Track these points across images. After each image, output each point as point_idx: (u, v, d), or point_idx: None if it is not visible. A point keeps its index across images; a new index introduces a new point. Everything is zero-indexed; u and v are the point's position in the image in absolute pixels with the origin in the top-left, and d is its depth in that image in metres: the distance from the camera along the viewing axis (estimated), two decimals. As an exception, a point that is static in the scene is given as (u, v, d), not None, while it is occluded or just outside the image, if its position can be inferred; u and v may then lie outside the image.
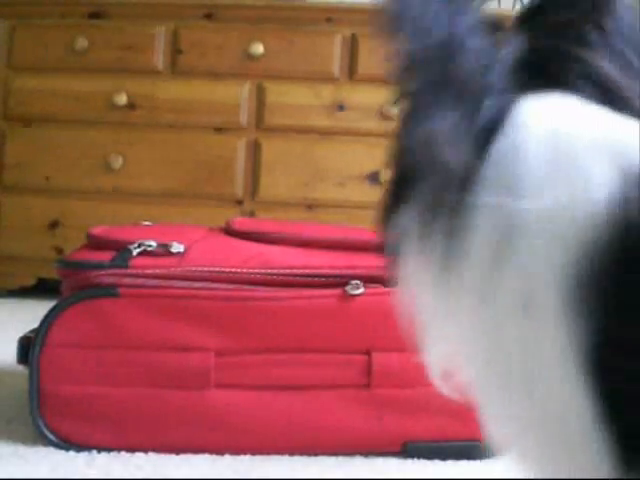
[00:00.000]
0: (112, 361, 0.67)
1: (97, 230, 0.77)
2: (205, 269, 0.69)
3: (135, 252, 0.71)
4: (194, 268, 0.69)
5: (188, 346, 0.67)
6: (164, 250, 0.71)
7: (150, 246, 0.71)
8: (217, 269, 0.69)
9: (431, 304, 0.36)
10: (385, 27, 0.39)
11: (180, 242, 0.72)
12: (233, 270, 0.69)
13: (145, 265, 0.69)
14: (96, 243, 0.74)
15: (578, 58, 0.39)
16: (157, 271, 0.69)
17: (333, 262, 0.71)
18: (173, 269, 0.69)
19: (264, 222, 0.87)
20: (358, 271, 0.70)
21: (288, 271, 0.70)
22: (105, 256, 0.71)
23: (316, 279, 0.70)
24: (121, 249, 0.71)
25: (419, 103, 0.36)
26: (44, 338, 0.67)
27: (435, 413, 0.70)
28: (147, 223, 0.85)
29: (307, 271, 0.70)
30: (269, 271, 0.69)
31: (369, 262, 0.71)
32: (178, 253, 0.71)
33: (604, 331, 0.22)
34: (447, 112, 0.34)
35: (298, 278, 0.69)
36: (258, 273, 0.69)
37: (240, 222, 0.83)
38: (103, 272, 0.69)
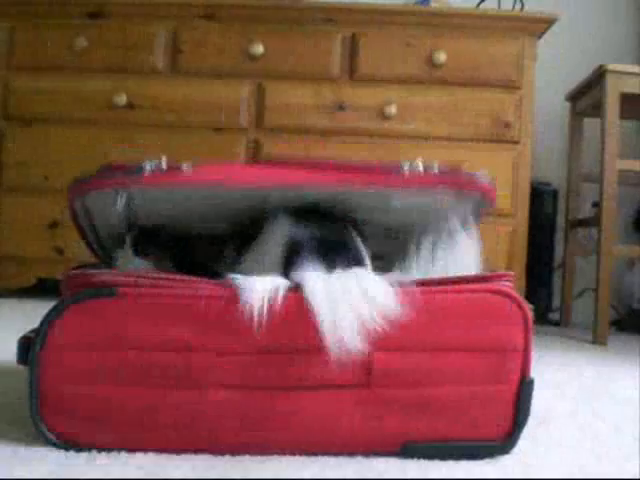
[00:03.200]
0: (112, 361, 0.67)
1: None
2: (210, 177, 0.72)
3: (148, 167, 0.72)
4: (201, 179, 0.73)
5: (188, 346, 0.67)
6: (174, 168, 0.73)
7: (161, 165, 0.73)
8: (224, 180, 0.72)
9: None
10: None
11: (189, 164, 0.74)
12: (241, 181, 0.72)
13: (158, 177, 0.71)
14: (108, 168, 0.77)
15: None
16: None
17: (342, 175, 0.76)
18: (179, 180, 0.71)
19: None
20: (370, 184, 0.75)
21: (296, 181, 0.75)
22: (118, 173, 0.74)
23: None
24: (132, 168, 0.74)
25: None
26: (44, 338, 0.67)
27: (435, 413, 0.70)
28: None
29: (317, 179, 0.74)
30: (276, 181, 0.73)
31: (378, 178, 0.76)
32: (187, 170, 0.73)
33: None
34: None
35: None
36: (266, 183, 0.73)
37: None
38: (103, 272, 0.68)
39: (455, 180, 0.77)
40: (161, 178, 0.72)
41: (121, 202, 0.76)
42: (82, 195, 0.76)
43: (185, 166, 0.72)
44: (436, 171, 0.75)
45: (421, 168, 0.75)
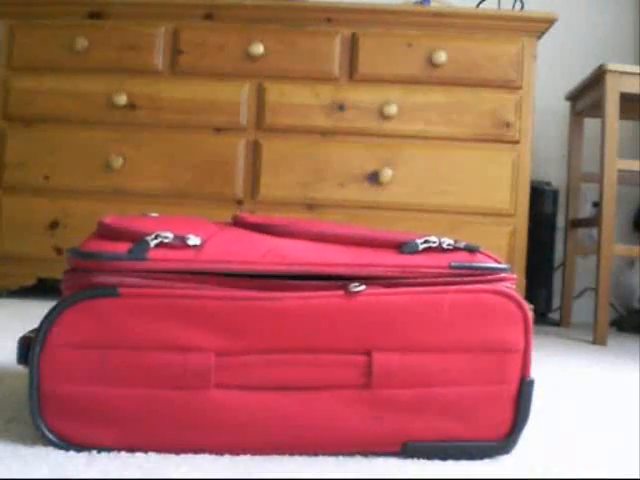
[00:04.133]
0: (112, 361, 0.67)
1: (109, 219, 0.74)
2: (222, 265, 0.68)
3: (152, 244, 0.69)
4: (210, 265, 0.68)
5: (188, 346, 0.67)
6: (181, 242, 0.70)
7: (167, 238, 0.70)
8: (233, 265, 0.68)
9: None
10: None
11: (196, 235, 0.71)
12: (251, 266, 0.68)
13: (162, 258, 0.68)
14: (109, 233, 0.73)
15: None
16: (171, 265, 0.68)
17: (349, 258, 0.71)
18: (187, 264, 0.68)
19: (272, 217, 0.86)
20: (374, 269, 0.70)
21: (304, 268, 0.69)
22: (121, 247, 0.69)
23: (334, 281, 0.69)
24: (136, 240, 0.70)
25: None
26: (44, 338, 0.67)
27: (435, 413, 0.70)
28: (154, 214, 0.84)
29: (325, 269, 0.69)
30: (286, 268, 0.69)
31: (384, 260, 0.71)
32: (194, 246, 0.70)
33: None
34: None
35: (314, 281, 0.69)
36: (276, 271, 0.69)
37: (249, 216, 0.83)
38: (105, 271, 0.68)
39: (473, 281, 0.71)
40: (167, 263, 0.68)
41: None
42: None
43: (191, 240, 0.70)
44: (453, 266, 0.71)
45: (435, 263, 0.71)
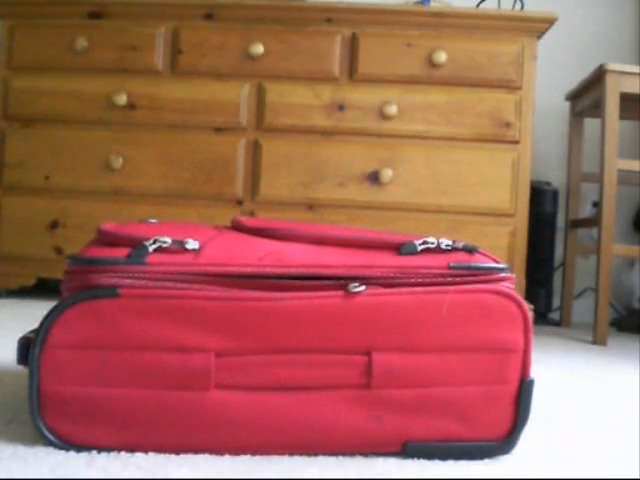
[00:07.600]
0: (112, 361, 0.67)
1: (108, 226, 0.75)
2: (220, 268, 0.69)
3: (151, 248, 0.70)
4: (208, 268, 0.69)
5: (188, 346, 0.67)
6: (179, 246, 0.70)
7: (165, 242, 0.70)
8: (232, 268, 0.68)
9: None
10: None
11: (194, 239, 0.72)
12: (249, 269, 0.69)
13: (161, 262, 0.69)
14: (108, 239, 0.73)
15: None
16: (169, 269, 0.68)
17: (347, 260, 0.71)
18: (185, 268, 0.68)
19: (270, 220, 0.86)
20: (373, 270, 0.70)
21: (302, 270, 0.69)
22: (119, 252, 0.69)
23: (333, 281, 0.69)
24: (135, 245, 0.70)
25: None
26: (44, 338, 0.67)
27: (435, 413, 0.70)
28: (153, 220, 0.84)
29: (323, 271, 0.69)
30: (285, 270, 0.69)
31: (382, 261, 0.71)
32: (193, 250, 0.70)
33: None
34: None
35: (313, 281, 0.69)
36: (274, 274, 0.69)
37: (248, 219, 0.83)
38: (105, 272, 0.68)
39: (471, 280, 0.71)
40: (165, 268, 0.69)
41: None
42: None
43: (190, 244, 0.70)
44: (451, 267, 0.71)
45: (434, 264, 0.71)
